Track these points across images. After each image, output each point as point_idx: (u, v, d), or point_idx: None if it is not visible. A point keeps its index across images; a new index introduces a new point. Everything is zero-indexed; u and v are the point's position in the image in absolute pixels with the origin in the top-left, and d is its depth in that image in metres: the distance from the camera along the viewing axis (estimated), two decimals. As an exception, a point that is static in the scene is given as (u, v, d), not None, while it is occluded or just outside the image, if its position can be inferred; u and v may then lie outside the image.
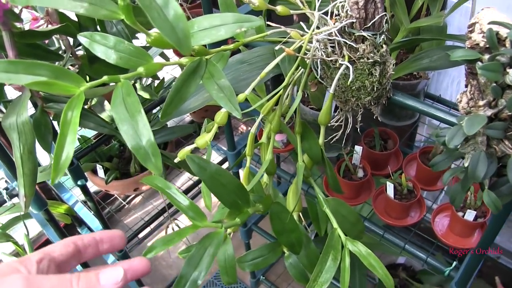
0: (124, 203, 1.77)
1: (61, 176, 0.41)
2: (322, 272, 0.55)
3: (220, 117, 0.63)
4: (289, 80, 0.59)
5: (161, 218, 1.52)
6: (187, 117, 1.81)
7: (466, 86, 0.52)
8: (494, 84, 0.45)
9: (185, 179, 1.75)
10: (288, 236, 0.61)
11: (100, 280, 0.37)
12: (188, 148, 0.67)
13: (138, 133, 0.44)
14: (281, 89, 0.60)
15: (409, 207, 0.90)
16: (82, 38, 0.48)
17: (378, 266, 0.56)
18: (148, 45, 0.55)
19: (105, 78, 0.47)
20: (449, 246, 0.86)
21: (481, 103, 0.47)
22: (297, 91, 0.64)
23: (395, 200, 0.86)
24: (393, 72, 0.63)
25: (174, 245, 0.46)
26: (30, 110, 0.68)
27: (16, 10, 0.66)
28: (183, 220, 1.47)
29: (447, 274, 0.83)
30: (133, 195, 1.82)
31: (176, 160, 0.59)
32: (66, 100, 0.45)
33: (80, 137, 1.36)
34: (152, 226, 1.55)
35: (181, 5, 1.25)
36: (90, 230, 1.60)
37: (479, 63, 0.46)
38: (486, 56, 0.46)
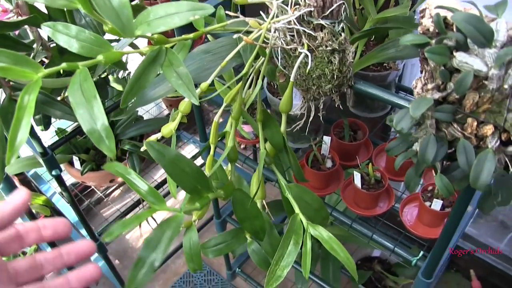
0: (102, 195, 1.77)
1: (15, 157, 0.42)
2: (283, 256, 0.56)
3: (184, 106, 0.64)
4: (249, 68, 0.60)
5: (137, 209, 1.53)
6: (165, 111, 1.81)
7: (421, 72, 0.54)
8: (442, 68, 0.47)
9: (162, 171, 1.75)
10: (252, 223, 0.62)
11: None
12: (153, 137, 0.68)
13: (93, 117, 0.45)
14: (241, 78, 0.61)
15: (377, 197, 0.91)
16: (45, 28, 0.49)
17: (339, 250, 0.57)
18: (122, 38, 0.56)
19: (63, 65, 0.47)
20: (418, 237, 0.88)
21: (429, 86, 0.48)
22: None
23: (363, 190, 0.88)
24: (352, 60, 0.64)
25: (131, 228, 0.47)
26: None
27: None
28: (160, 213, 1.48)
29: (414, 263, 0.84)
30: (112, 188, 1.83)
31: (142, 149, 0.60)
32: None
33: (56, 129, 1.36)
34: (128, 217, 1.55)
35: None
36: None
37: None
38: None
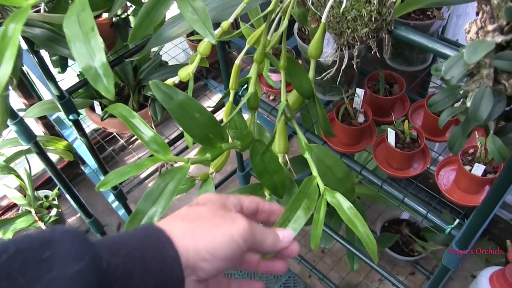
0: (124, 143, 1.74)
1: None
2: (289, 220, 0.47)
3: (203, 46, 0.57)
4: (275, 5, 0.53)
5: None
6: (192, 58, 1.75)
7: (477, 14, 0.45)
8: (510, 4, 0.38)
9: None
10: (271, 178, 0.56)
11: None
12: (169, 81, 0.62)
13: (90, 51, 0.39)
14: (267, 16, 0.54)
15: (411, 157, 0.84)
16: None
17: (359, 224, 0.48)
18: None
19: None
20: (453, 203, 0.80)
21: (490, 27, 0.40)
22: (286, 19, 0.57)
23: (396, 149, 0.81)
24: (394, 0, 0.56)
25: (128, 177, 0.42)
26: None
27: None
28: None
29: (448, 232, 0.77)
30: (135, 136, 1.79)
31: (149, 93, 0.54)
32: (40, 25, 0.40)
33: (78, 72, 1.32)
34: (152, 167, 1.52)
35: None
36: (91, 168, 1.59)
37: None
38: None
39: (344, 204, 0.48)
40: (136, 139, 1.82)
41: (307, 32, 0.88)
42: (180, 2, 0.48)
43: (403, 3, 0.77)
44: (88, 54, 0.39)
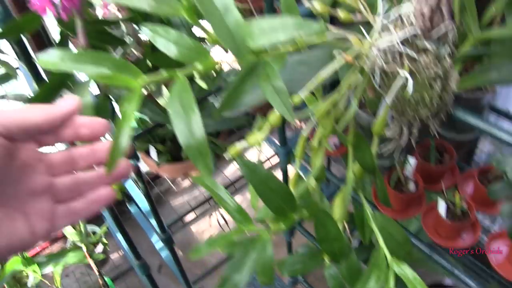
0: (172, 186, 1.80)
1: (117, 160, 0.42)
2: None
3: (275, 118, 0.63)
4: (346, 86, 0.58)
5: (207, 205, 1.54)
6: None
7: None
8: None
9: (234, 169, 1.76)
10: (331, 245, 0.60)
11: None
12: (239, 146, 0.68)
13: (190, 130, 0.44)
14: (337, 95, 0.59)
15: (461, 228, 0.86)
16: (145, 30, 0.49)
17: None
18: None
19: (163, 73, 0.48)
20: (503, 278, 0.81)
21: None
22: (355, 100, 0.63)
23: (447, 220, 0.83)
24: (455, 87, 0.60)
25: (217, 248, 0.46)
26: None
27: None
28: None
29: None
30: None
31: (226, 157, 0.59)
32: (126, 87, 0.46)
33: (139, 119, 1.39)
34: (197, 212, 1.58)
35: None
36: (139, 208, 1.65)
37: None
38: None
39: (409, 274, 0.52)
40: (182, 183, 1.88)
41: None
42: (262, 81, 0.53)
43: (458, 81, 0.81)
44: (189, 132, 0.44)
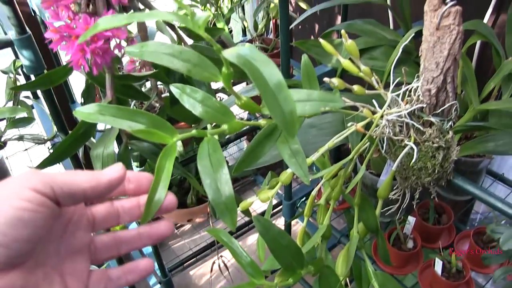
0: (175, 229, 1.82)
1: (151, 215, 0.45)
2: None
3: (285, 176, 0.67)
4: (356, 153, 0.63)
5: (207, 250, 1.56)
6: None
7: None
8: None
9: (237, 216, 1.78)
10: (334, 300, 0.63)
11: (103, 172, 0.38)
12: (249, 201, 0.72)
13: (219, 188, 0.47)
14: (340, 157, 0.64)
15: (456, 286, 0.89)
16: (174, 88, 0.53)
17: None
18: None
19: (194, 132, 0.51)
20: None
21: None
22: (360, 161, 0.67)
23: (442, 278, 0.87)
24: (455, 158, 0.65)
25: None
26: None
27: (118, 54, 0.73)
28: (227, 256, 1.50)
29: None
30: (184, 225, 1.88)
31: (238, 209, 0.63)
32: (146, 140, 0.49)
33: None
34: (198, 256, 1.59)
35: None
36: (140, 250, 1.66)
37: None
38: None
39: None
40: (183, 226, 1.90)
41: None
42: (280, 144, 0.57)
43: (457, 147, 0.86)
44: (218, 189, 0.47)
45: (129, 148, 0.74)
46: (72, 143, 0.70)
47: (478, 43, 1.11)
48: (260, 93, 0.42)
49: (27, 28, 0.76)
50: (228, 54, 0.45)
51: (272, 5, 1.39)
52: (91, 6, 0.68)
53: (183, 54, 0.49)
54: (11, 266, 0.33)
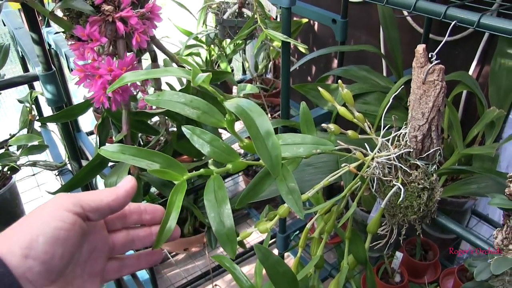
0: (170, 258, 1.86)
1: (163, 242, 0.51)
2: None
3: (283, 210, 0.73)
4: (348, 191, 0.69)
5: (202, 279, 1.59)
6: (241, 182, 1.92)
7: (503, 225, 0.60)
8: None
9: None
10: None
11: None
12: (249, 231, 0.77)
13: (222, 220, 0.53)
14: (339, 197, 0.70)
15: (440, 320, 0.95)
16: (186, 130, 0.60)
17: None
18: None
19: (202, 171, 0.58)
20: None
21: (511, 247, 0.55)
22: (351, 198, 0.73)
23: (428, 311, 0.92)
24: (439, 198, 0.71)
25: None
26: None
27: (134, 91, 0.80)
28: (222, 285, 1.54)
29: None
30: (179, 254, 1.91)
31: (238, 239, 0.69)
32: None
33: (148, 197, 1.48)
34: (193, 284, 1.62)
35: (260, 93, 1.39)
36: (134, 276, 1.69)
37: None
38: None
39: None
40: (178, 254, 1.93)
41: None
42: (279, 181, 0.63)
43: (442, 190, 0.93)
44: (221, 222, 0.53)
45: (140, 178, 0.80)
46: (89, 172, 0.75)
47: (465, 91, 1.19)
48: (252, 139, 0.49)
49: (52, 65, 0.83)
50: (229, 104, 0.52)
51: (271, 47, 1.47)
52: (111, 48, 0.75)
53: (194, 103, 0.56)
54: (50, 282, 0.38)
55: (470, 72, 1.17)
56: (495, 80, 1.00)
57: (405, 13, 1.24)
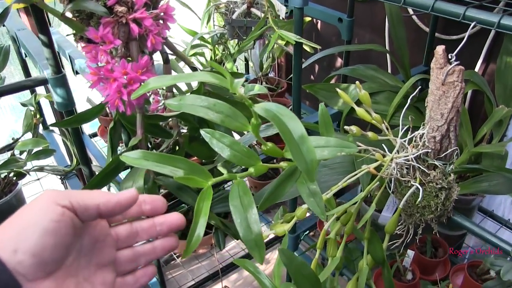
0: (176, 259, 1.85)
1: (193, 249, 0.51)
2: None
3: (300, 212, 0.73)
4: (367, 192, 0.69)
5: (209, 280, 1.59)
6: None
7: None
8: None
9: (231, 244, 1.83)
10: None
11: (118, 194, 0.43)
12: (265, 234, 0.77)
13: (249, 226, 0.53)
14: (358, 198, 0.70)
15: (452, 317, 0.95)
16: (204, 133, 0.59)
17: None
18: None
19: (225, 175, 0.57)
20: None
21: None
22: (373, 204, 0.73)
23: (440, 308, 0.93)
24: (456, 198, 0.72)
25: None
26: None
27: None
28: (227, 285, 1.54)
29: None
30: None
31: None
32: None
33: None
34: (200, 286, 1.62)
35: (267, 94, 1.39)
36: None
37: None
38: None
39: None
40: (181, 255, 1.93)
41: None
42: (299, 184, 0.63)
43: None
44: (248, 227, 0.52)
45: (156, 183, 0.80)
46: (104, 177, 0.75)
47: (470, 90, 1.19)
48: (286, 144, 0.49)
49: (61, 68, 0.83)
50: (259, 108, 0.51)
51: (276, 45, 1.47)
52: (123, 50, 0.74)
53: (217, 106, 0.55)
54: (46, 274, 0.39)
55: (476, 70, 1.17)
56: (501, 78, 1.00)
57: (411, 11, 1.24)
